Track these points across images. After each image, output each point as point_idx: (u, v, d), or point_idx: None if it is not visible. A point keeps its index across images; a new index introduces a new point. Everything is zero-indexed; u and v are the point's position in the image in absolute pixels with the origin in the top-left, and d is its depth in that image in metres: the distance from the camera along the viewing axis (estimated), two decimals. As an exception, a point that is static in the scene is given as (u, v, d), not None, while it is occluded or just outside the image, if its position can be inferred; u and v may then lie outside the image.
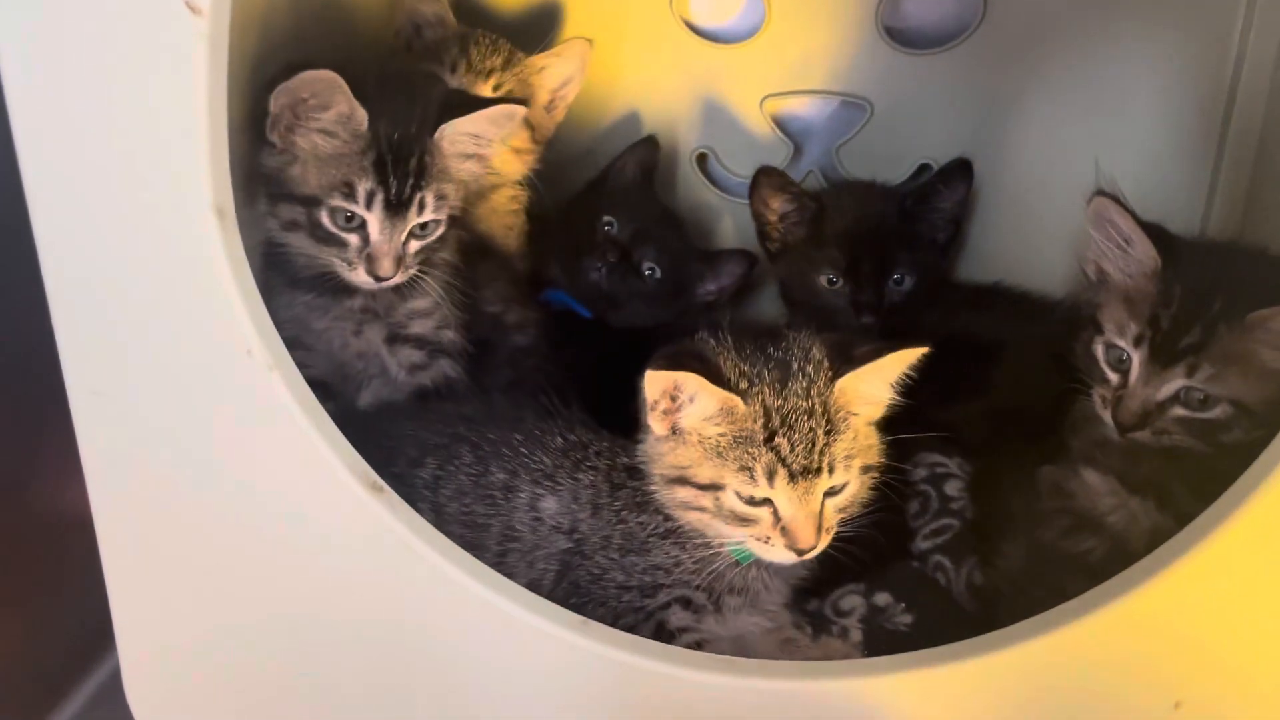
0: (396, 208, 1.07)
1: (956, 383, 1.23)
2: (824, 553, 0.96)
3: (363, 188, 1.06)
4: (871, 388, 0.95)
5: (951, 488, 1.23)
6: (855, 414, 0.94)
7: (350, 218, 1.07)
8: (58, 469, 1.10)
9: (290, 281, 1.13)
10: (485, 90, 1.33)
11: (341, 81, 1.01)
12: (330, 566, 0.96)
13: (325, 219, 1.07)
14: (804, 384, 0.93)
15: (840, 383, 0.93)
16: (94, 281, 0.89)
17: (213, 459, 0.94)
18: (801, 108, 1.53)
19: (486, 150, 1.14)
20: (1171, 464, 1.05)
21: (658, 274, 1.41)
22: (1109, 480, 1.08)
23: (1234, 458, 0.91)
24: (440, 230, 1.13)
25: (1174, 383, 1.03)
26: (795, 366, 0.93)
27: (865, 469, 0.95)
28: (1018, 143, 1.46)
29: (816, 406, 0.92)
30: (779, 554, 0.94)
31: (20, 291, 0.95)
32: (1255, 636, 0.85)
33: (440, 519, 1.00)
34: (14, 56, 0.82)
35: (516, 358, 1.29)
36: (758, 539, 0.94)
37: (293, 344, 1.10)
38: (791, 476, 0.91)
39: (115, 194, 0.86)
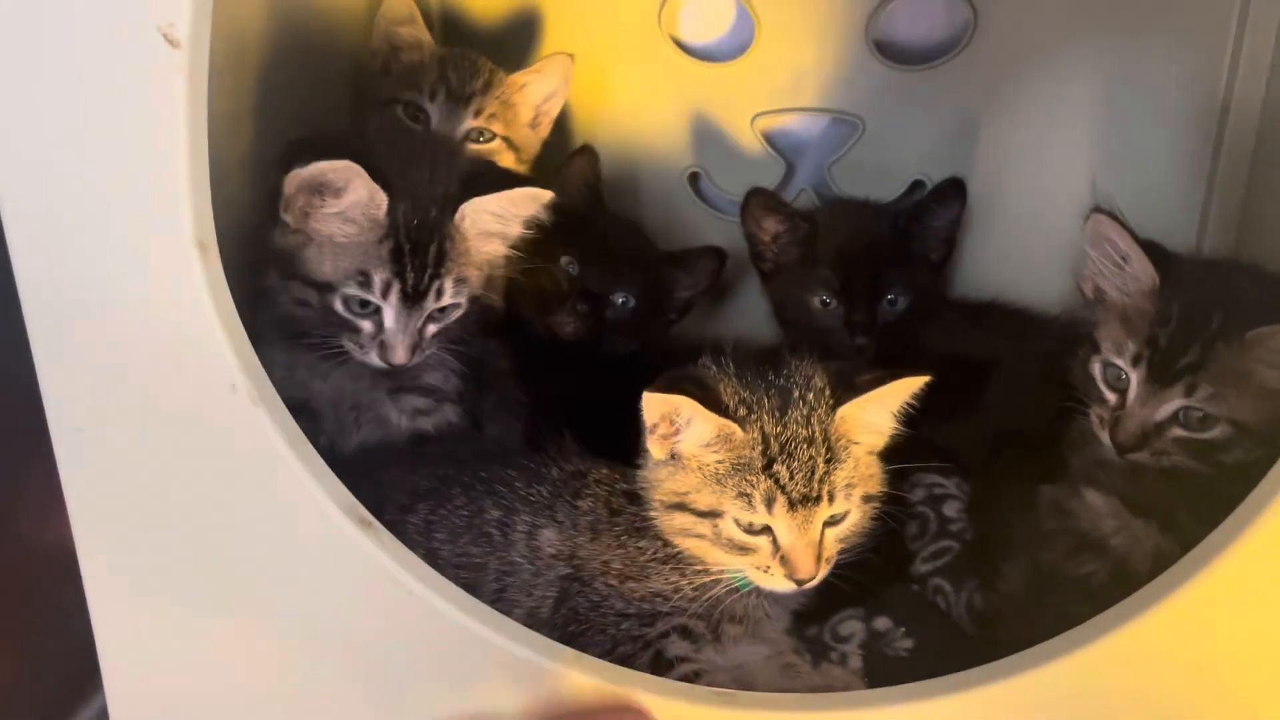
0: (414, 297, 1.04)
1: (954, 402, 1.21)
2: (824, 580, 0.95)
3: (379, 278, 1.03)
4: (873, 416, 0.94)
5: (950, 509, 1.21)
6: (857, 442, 0.94)
7: (365, 304, 1.04)
8: (43, 504, 1.09)
9: (288, 339, 1.10)
10: (468, 119, 1.31)
11: (361, 170, 0.98)
12: (319, 602, 0.94)
13: (339, 305, 1.04)
14: (804, 411, 0.92)
15: (841, 410, 0.93)
16: (75, 318, 0.87)
17: (197, 495, 0.92)
18: (793, 125, 1.52)
19: (510, 229, 1.11)
20: (1174, 485, 1.04)
21: (631, 301, 1.37)
22: (1111, 501, 1.07)
23: (1237, 479, 0.90)
24: (460, 312, 1.10)
25: (1172, 403, 1.02)
26: (796, 394, 0.93)
27: (866, 498, 0.95)
28: (1011, 158, 1.45)
29: (817, 434, 0.92)
30: (778, 583, 0.94)
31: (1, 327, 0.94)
32: (1264, 663, 0.83)
33: (435, 564, 0.98)
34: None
35: (502, 382, 1.26)
36: (757, 568, 0.94)
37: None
38: (791, 504, 0.91)
39: (95, 229, 0.84)
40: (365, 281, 1.03)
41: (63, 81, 0.81)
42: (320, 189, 1.01)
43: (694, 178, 1.56)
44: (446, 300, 1.07)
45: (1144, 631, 0.81)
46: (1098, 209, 1.07)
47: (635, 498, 1.00)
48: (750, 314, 1.53)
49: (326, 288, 1.04)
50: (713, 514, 0.93)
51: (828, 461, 0.91)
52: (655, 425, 0.93)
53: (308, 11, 1.20)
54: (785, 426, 0.91)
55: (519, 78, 1.36)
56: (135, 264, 0.84)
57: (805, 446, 0.91)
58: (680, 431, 0.93)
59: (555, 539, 1.01)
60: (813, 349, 1.02)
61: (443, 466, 1.07)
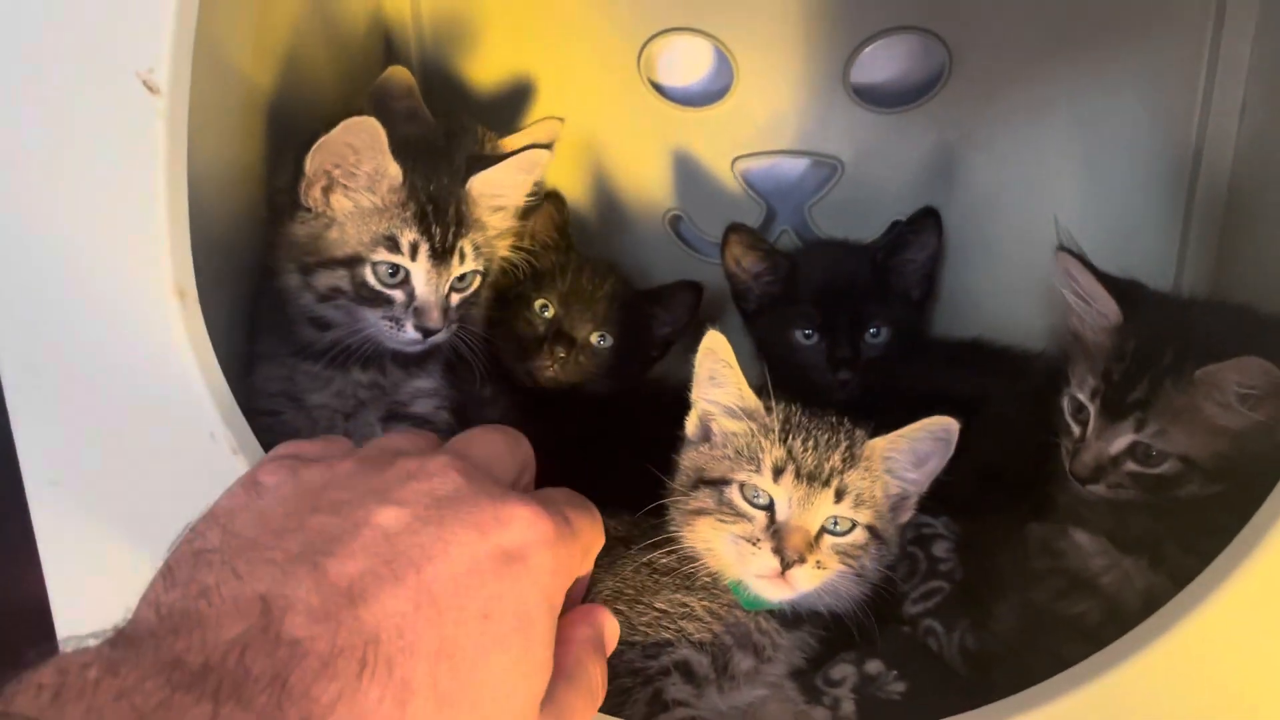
0: (441, 256, 1.08)
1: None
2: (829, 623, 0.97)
3: (406, 239, 1.06)
4: (900, 455, 0.99)
5: (939, 549, 1.20)
6: (876, 471, 0.97)
7: (394, 272, 1.07)
8: (14, 557, 1.07)
9: (295, 350, 1.12)
10: None
11: (380, 130, 1.01)
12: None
13: (369, 276, 1.06)
14: (835, 420, 1.00)
15: (872, 441, 0.98)
16: (50, 367, 0.86)
17: (176, 546, 0.90)
18: (773, 167, 1.53)
19: (512, 200, 1.16)
20: (1160, 521, 1.04)
21: (609, 340, 1.37)
22: (1098, 540, 1.07)
23: (1227, 512, 0.90)
24: (476, 284, 1.14)
25: (1124, 437, 1.04)
26: (836, 418, 1.00)
27: (871, 531, 0.97)
28: (989, 197, 1.46)
29: (841, 438, 0.97)
30: (763, 561, 0.93)
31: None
32: (1265, 700, 0.82)
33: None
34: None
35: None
36: (748, 540, 0.94)
37: (270, 415, 1.11)
38: (798, 476, 0.94)
39: (73, 275, 0.84)
40: (394, 245, 1.06)
41: (41, 126, 0.80)
42: (344, 160, 1.03)
43: (675, 220, 1.56)
44: (469, 265, 1.11)
45: (1140, 671, 0.80)
46: (1061, 247, 1.09)
47: (657, 510, 1.02)
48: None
49: (355, 260, 1.06)
50: (722, 482, 0.96)
51: (844, 460, 0.95)
52: (700, 380, 1.00)
53: (299, 73, 1.20)
54: (812, 420, 0.98)
55: (509, 142, 1.37)
56: (113, 311, 0.83)
57: (826, 437, 0.96)
58: (711, 390, 0.99)
59: None
60: (796, 386, 1.05)
61: None
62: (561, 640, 0.64)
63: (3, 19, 0.78)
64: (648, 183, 1.54)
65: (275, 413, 1.11)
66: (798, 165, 1.52)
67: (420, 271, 1.07)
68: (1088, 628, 0.99)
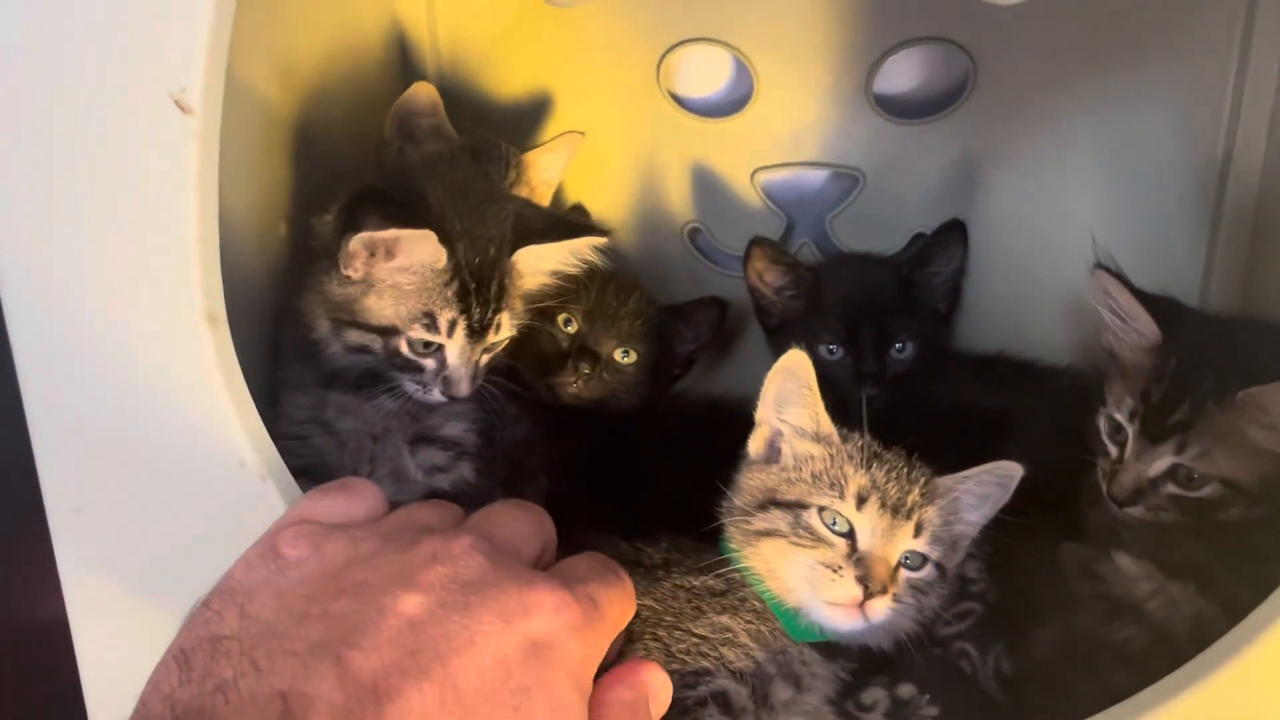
0: (477, 333, 1.07)
1: (967, 455, 1.19)
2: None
3: (445, 318, 1.05)
4: (963, 498, 0.98)
5: (971, 569, 1.17)
6: (947, 509, 0.97)
7: (429, 345, 1.06)
8: (36, 579, 1.05)
9: (323, 381, 1.10)
10: None
11: (433, 236, 1.00)
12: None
13: (404, 348, 1.05)
14: (906, 455, 0.98)
15: (939, 479, 0.97)
16: (76, 393, 0.84)
17: (201, 574, 0.89)
18: (793, 179, 1.51)
19: (563, 269, 1.15)
20: (1206, 545, 1.02)
21: (632, 357, 1.35)
22: (1143, 564, 1.05)
23: (1275, 538, 0.89)
24: (506, 342, 1.13)
25: (1164, 459, 1.02)
26: (905, 453, 0.99)
27: (939, 569, 0.96)
28: (1013, 210, 1.45)
29: (918, 474, 0.96)
30: (843, 589, 0.91)
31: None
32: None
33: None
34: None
35: (514, 451, 1.23)
36: (827, 565, 0.92)
37: (298, 440, 1.10)
38: (883, 505, 0.93)
39: (99, 299, 0.82)
40: (431, 323, 1.05)
41: (70, 147, 0.78)
42: (388, 246, 1.02)
43: (694, 233, 1.54)
44: (504, 333, 1.11)
45: (1193, 708, 0.78)
46: (1099, 265, 1.07)
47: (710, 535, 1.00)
48: (756, 370, 1.50)
49: (391, 331, 1.05)
50: (799, 505, 0.94)
51: (924, 495, 0.94)
52: (768, 392, 0.99)
53: (318, 89, 1.18)
54: (885, 449, 0.98)
55: (531, 157, 1.36)
56: (142, 337, 0.82)
57: (906, 470, 0.96)
58: (784, 410, 0.98)
59: None
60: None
61: None
62: (598, 704, 0.63)
63: (33, 38, 0.76)
64: (666, 195, 1.52)
65: (303, 437, 1.10)
66: (818, 177, 1.51)
67: (455, 346, 1.07)
68: (1133, 655, 0.97)
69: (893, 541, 0.93)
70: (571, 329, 1.34)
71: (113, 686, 0.94)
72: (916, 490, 0.94)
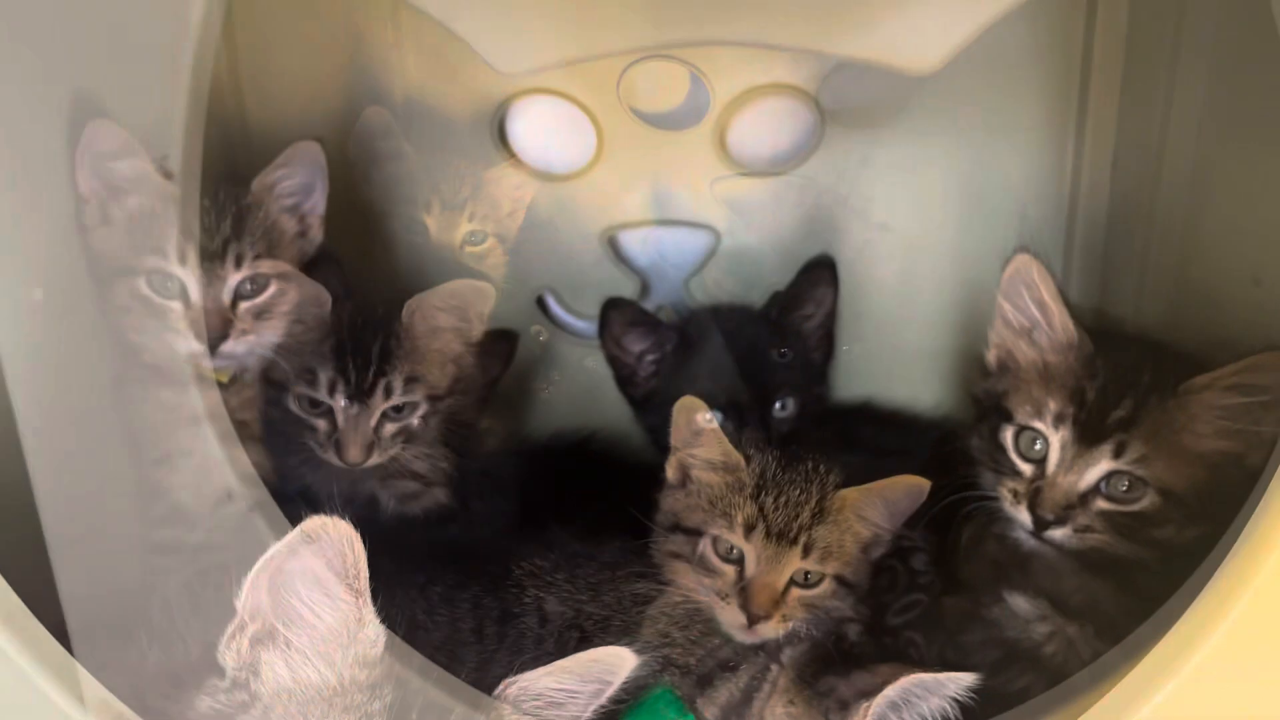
0: (360, 395, 1.06)
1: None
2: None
3: (324, 375, 1.06)
4: (869, 508, 1.00)
5: (918, 561, 1.12)
6: (847, 521, 1.00)
7: (316, 403, 1.07)
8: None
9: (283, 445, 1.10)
10: (463, 223, 1.33)
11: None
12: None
13: (292, 404, 1.07)
14: (809, 469, 1.01)
15: (844, 491, 1.00)
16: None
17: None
18: (645, 239, 1.43)
19: (467, 326, 1.12)
20: (1099, 580, 0.98)
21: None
22: (1039, 603, 1.00)
23: (1172, 565, 0.84)
24: (421, 410, 1.11)
25: (1099, 466, 0.96)
26: (809, 464, 1.02)
27: (839, 580, 1.00)
28: (869, 257, 1.42)
29: (813, 492, 0.99)
30: (732, 615, 0.97)
31: None
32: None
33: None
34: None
35: (491, 465, 1.24)
36: (719, 594, 0.98)
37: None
38: (768, 534, 0.97)
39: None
40: (312, 380, 1.06)
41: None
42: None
43: (541, 300, 1.42)
44: (397, 399, 1.08)
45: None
46: (1023, 249, 1.02)
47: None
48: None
49: (280, 386, 1.07)
50: (696, 532, 1.00)
51: (813, 515, 0.98)
52: (678, 435, 1.03)
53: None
54: (785, 473, 1.00)
55: (493, 173, 1.35)
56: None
57: (797, 493, 0.99)
58: (695, 442, 1.02)
59: (557, 607, 1.02)
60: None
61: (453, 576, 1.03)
62: None
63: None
64: (515, 258, 1.40)
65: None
66: (673, 235, 1.43)
67: (339, 408, 1.07)
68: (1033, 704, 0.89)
69: (778, 566, 0.97)
70: None
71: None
72: (806, 511, 0.98)
